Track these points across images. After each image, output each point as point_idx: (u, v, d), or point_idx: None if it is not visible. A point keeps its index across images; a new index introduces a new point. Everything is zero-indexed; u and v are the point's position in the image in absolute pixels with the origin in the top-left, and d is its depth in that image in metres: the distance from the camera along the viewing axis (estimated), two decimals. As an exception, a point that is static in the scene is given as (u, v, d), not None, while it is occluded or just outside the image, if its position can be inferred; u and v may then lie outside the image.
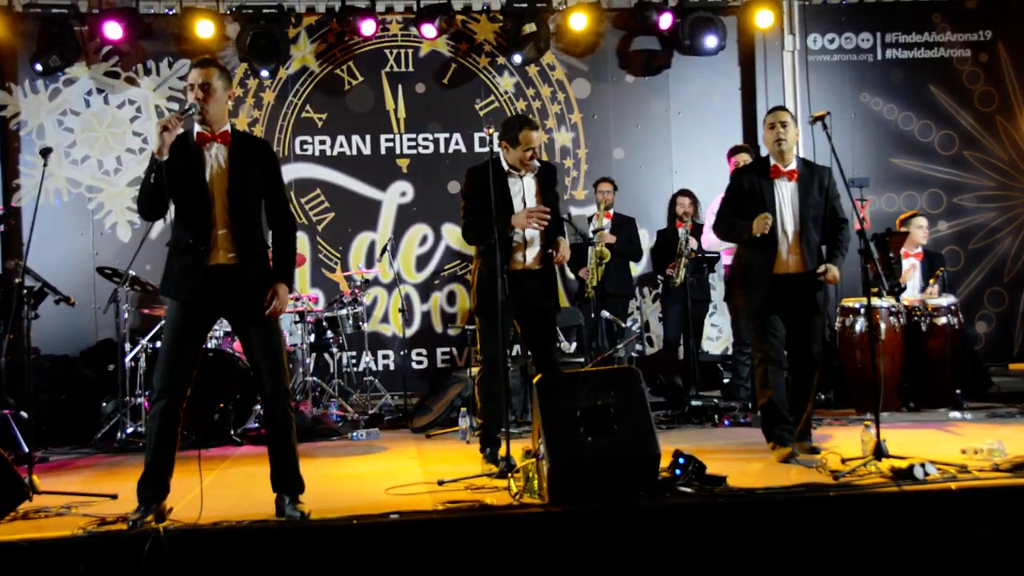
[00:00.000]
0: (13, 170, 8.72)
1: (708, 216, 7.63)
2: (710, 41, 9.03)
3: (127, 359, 6.91)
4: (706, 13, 9.00)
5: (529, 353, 5.52)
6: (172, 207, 4.11)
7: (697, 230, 7.78)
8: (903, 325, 7.10)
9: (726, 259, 7.40)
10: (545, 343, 5.28)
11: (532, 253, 5.21)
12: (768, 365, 5.24)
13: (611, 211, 8.16)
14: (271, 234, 4.27)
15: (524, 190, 5.21)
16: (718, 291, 8.68)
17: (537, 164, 5.24)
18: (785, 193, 5.28)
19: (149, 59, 8.91)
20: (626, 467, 4.02)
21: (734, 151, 7.39)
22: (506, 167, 5.22)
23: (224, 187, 4.08)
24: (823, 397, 7.32)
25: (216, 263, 4.07)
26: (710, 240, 7.52)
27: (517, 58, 9.02)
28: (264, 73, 8.80)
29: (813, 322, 5.33)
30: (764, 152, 5.55)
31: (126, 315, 6.99)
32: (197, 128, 4.10)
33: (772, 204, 5.24)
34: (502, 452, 5.05)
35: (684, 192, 8.14)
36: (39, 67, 8.50)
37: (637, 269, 9.10)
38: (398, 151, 9.16)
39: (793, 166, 5.31)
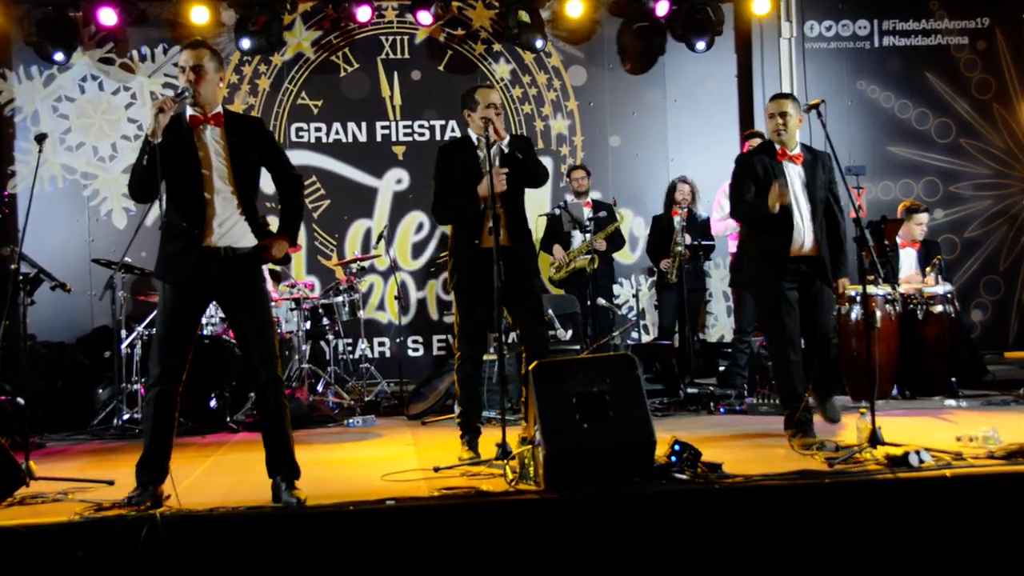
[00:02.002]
0: (8, 156, 8.70)
1: (715, 209, 7.61)
2: (699, 45, 9.11)
3: (123, 346, 6.91)
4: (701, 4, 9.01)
5: (517, 332, 5.24)
6: (164, 191, 4.10)
7: (692, 220, 7.78)
8: (899, 313, 7.10)
9: (732, 246, 7.42)
10: (530, 318, 5.05)
11: (503, 230, 4.95)
12: (788, 349, 5.16)
13: (589, 199, 8.20)
14: (280, 196, 4.33)
15: (495, 161, 4.96)
16: (713, 279, 8.70)
17: (505, 133, 4.97)
18: (795, 175, 5.25)
19: (144, 46, 8.89)
20: (622, 454, 4.03)
21: (748, 136, 7.43)
22: (474, 140, 5.09)
23: (225, 169, 4.07)
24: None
25: (209, 246, 4.06)
26: (716, 229, 7.58)
27: (539, 42, 8.96)
28: (245, 44, 8.72)
29: (826, 298, 5.28)
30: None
31: (122, 302, 6.98)
32: (189, 111, 4.08)
33: (786, 186, 5.18)
34: (484, 440, 5.07)
35: (685, 180, 8.12)
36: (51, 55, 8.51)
37: (633, 258, 9.12)
38: (394, 138, 9.15)
39: (798, 151, 5.29)
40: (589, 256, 7.81)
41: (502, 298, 4.84)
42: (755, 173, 5.26)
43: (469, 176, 5.01)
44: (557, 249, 8.11)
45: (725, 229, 7.51)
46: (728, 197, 5.67)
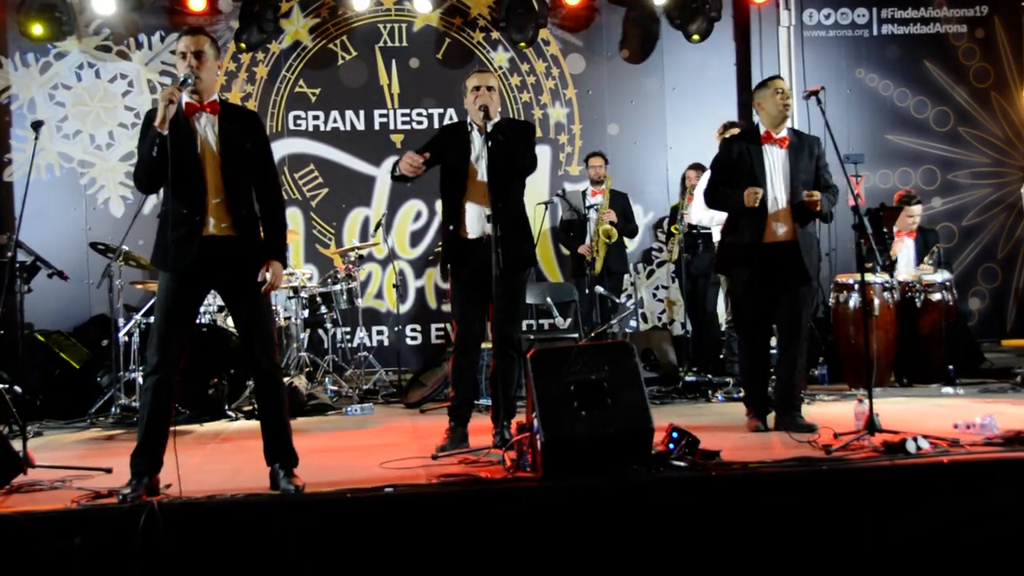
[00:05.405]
0: (4, 144, 8.67)
1: (700, 194, 7.57)
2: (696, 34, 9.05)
3: (121, 334, 6.90)
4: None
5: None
6: None
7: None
8: (897, 301, 7.12)
9: (717, 233, 7.39)
10: (502, 312, 4.87)
11: (484, 220, 4.87)
12: (750, 335, 5.39)
13: (604, 187, 8.16)
14: (260, 209, 4.19)
15: (480, 148, 4.89)
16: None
17: (484, 114, 4.85)
18: (776, 159, 5.26)
19: (141, 33, 8.85)
20: (620, 441, 4.03)
21: (728, 126, 7.31)
22: (469, 124, 5.02)
23: (217, 157, 4.06)
24: (815, 373, 7.36)
25: (209, 234, 4.04)
26: (699, 217, 7.48)
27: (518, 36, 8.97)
28: (242, 43, 8.72)
29: (803, 292, 5.29)
30: (756, 121, 5.51)
31: (119, 289, 6.97)
32: (185, 98, 4.05)
33: (762, 170, 5.22)
34: (482, 428, 5.05)
35: (694, 166, 8.08)
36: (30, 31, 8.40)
37: (632, 245, 9.10)
38: (392, 126, 9.12)
39: (784, 134, 5.29)
40: (607, 235, 7.80)
41: (484, 287, 4.83)
42: (731, 158, 5.33)
43: (457, 163, 4.98)
44: (583, 248, 8.05)
45: (711, 219, 7.29)
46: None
